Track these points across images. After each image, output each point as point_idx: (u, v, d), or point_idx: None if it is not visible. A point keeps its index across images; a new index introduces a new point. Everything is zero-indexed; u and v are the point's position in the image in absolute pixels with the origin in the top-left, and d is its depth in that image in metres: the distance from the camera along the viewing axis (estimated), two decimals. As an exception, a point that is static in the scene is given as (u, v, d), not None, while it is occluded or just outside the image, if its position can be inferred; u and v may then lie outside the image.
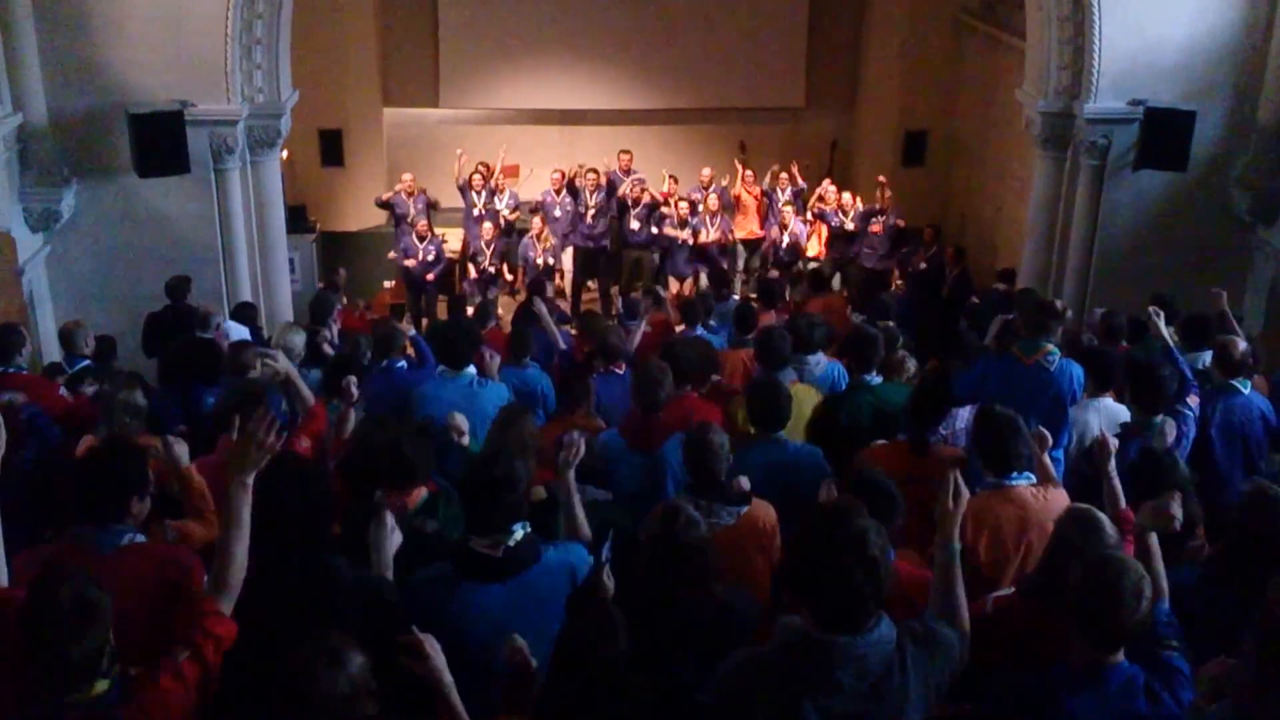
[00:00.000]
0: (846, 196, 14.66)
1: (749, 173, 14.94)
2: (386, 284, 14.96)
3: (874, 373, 6.72)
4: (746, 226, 14.76)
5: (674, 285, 13.87)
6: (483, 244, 13.87)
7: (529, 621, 3.91)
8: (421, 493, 4.90)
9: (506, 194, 14.43)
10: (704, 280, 14.33)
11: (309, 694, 2.97)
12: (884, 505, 4.16)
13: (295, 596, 3.82)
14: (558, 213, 14.19)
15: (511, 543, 3.95)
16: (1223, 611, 3.62)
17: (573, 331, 11.16)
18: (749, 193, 14.72)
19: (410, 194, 13.95)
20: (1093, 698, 3.25)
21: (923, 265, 14.13)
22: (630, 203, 14.20)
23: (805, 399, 6.57)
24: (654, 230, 14.21)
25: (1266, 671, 3.28)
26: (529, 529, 4.04)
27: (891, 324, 9.01)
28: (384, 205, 14.26)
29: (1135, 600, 3.23)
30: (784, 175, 14.67)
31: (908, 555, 4.45)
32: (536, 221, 14.06)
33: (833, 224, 14.45)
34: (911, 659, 3.06)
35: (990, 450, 4.90)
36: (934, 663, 3.14)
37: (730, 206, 14.60)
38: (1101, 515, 4.16)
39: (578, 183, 14.34)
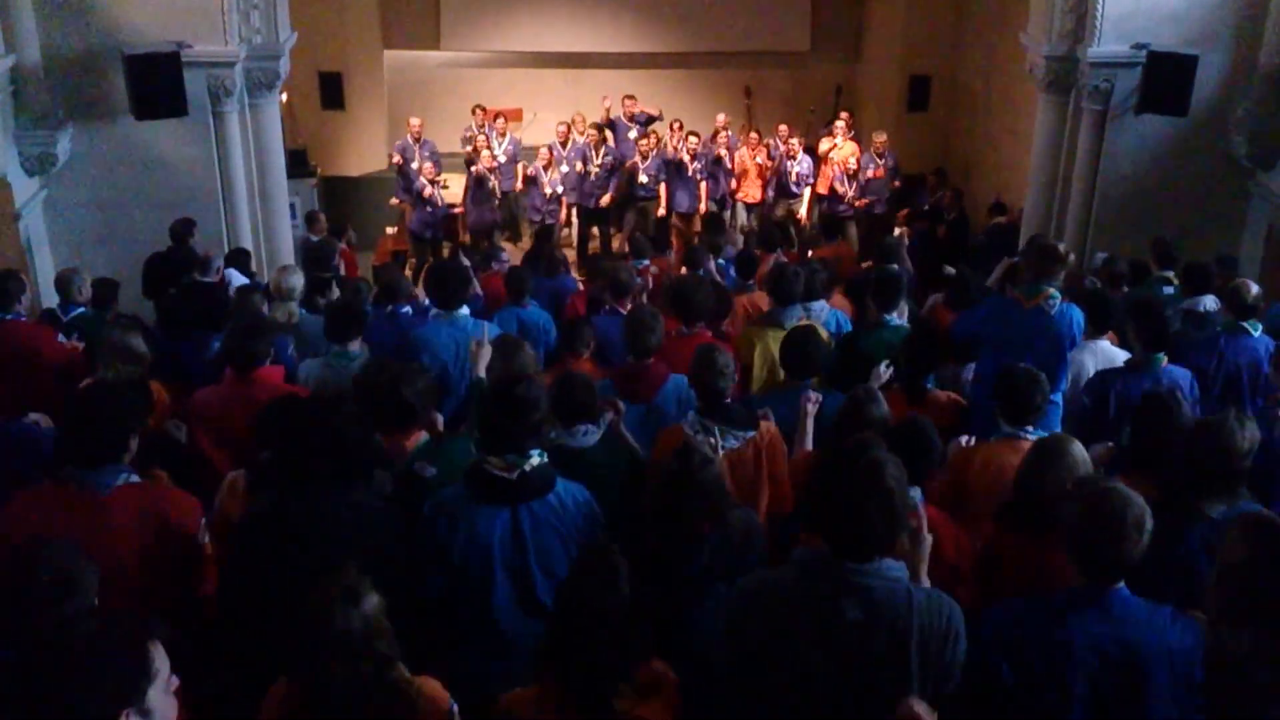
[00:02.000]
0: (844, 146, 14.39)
1: (754, 135, 14.78)
2: (389, 229, 14.90)
3: (895, 313, 6.76)
4: (748, 190, 14.52)
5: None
6: (485, 169, 13.68)
7: (539, 552, 3.90)
8: (420, 435, 4.81)
9: (506, 139, 14.29)
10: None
11: (326, 631, 3.00)
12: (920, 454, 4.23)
13: (302, 529, 3.79)
14: (564, 168, 14.03)
15: (527, 467, 3.89)
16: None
17: (580, 280, 11.19)
18: (752, 159, 14.39)
19: (417, 139, 13.76)
20: (1095, 621, 3.25)
21: (925, 208, 14.14)
22: (641, 156, 14.11)
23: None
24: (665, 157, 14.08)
25: (1225, 612, 3.35)
26: (545, 458, 3.98)
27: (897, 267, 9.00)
28: (401, 170, 13.83)
29: (1138, 532, 3.24)
30: (793, 142, 14.33)
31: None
32: (544, 152, 13.99)
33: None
34: (918, 608, 3.01)
35: (1008, 402, 5.01)
36: (939, 626, 3.05)
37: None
38: (1073, 441, 4.25)
39: (577, 139, 14.11)
